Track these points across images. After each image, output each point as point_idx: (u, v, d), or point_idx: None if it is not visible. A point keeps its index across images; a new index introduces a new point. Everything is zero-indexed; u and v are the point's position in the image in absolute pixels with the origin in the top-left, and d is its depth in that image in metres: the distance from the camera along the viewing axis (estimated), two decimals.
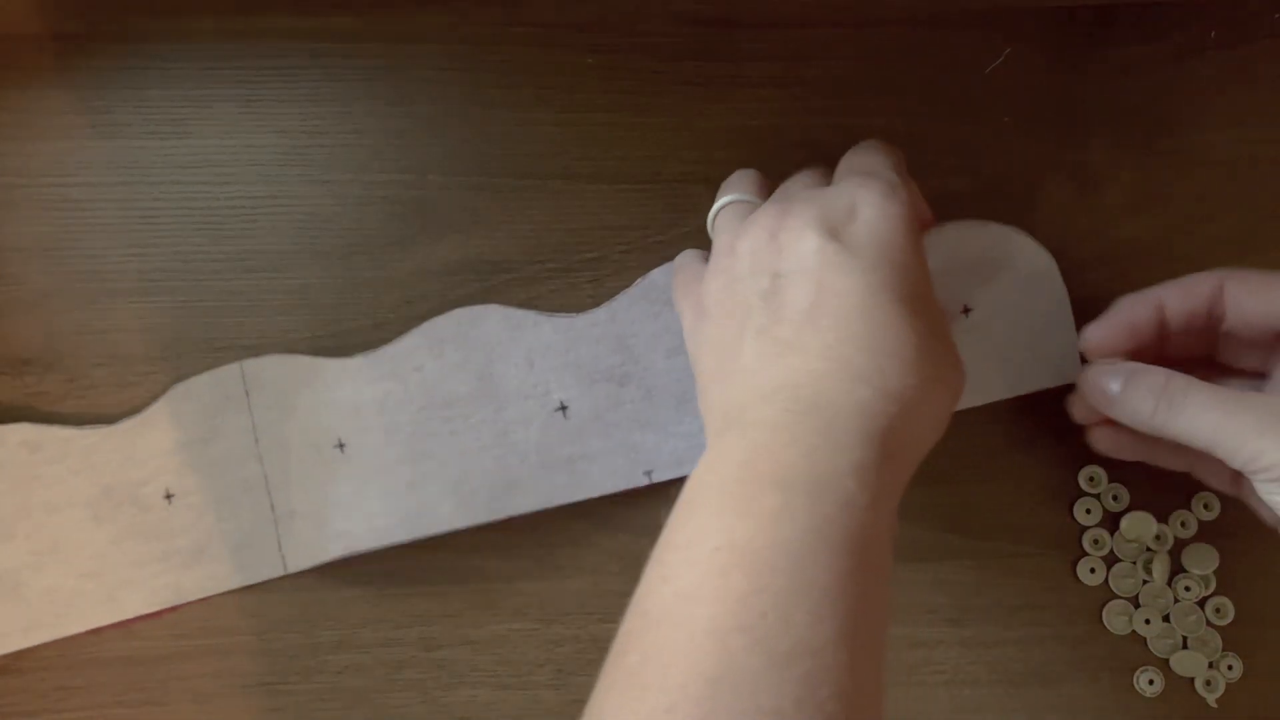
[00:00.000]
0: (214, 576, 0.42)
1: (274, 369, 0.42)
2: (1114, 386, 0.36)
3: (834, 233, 0.32)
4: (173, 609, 0.42)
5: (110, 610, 0.42)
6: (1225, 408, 0.34)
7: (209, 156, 0.43)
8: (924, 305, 0.32)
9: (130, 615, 0.42)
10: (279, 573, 0.42)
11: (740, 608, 0.26)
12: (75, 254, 0.43)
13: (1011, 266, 0.38)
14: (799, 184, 0.37)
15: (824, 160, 0.43)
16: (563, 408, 0.41)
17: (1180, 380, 0.35)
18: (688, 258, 0.40)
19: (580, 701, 0.42)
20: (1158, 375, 0.35)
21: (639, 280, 0.42)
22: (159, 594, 0.42)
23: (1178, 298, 0.37)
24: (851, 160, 0.36)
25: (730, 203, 0.37)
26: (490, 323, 0.41)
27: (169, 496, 0.42)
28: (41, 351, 0.43)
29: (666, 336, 0.41)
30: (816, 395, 0.30)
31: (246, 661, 0.42)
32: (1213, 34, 0.43)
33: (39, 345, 0.43)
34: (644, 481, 0.41)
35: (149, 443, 0.42)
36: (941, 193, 0.43)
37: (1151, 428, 0.35)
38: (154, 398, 0.42)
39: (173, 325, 0.43)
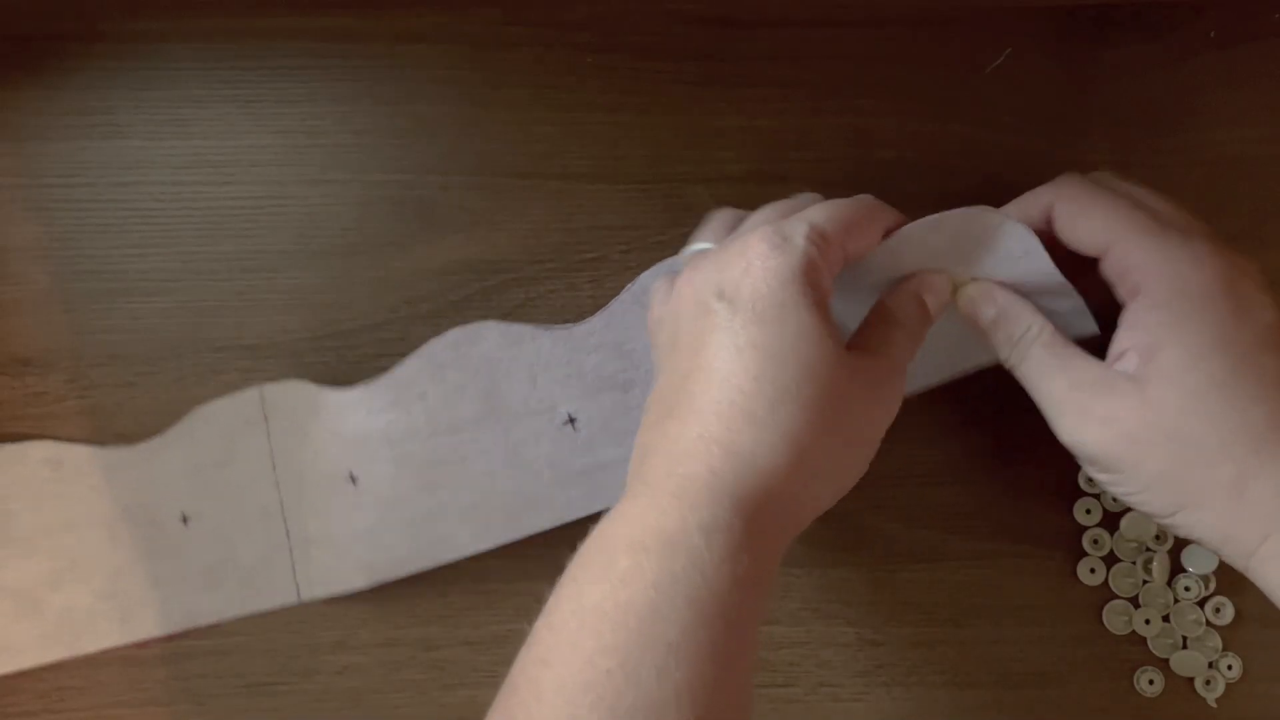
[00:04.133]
0: (228, 601, 0.42)
1: (291, 395, 0.42)
2: (985, 319, 0.37)
3: (722, 293, 0.32)
4: (184, 632, 0.42)
5: (124, 631, 0.42)
6: (1046, 374, 0.35)
7: (209, 156, 0.43)
8: (803, 363, 0.31)
9: (143, 637, 0.42)
10: (292, 600, 0.42)
11: (588, 666, 0.27)
12: (75, 254, 0.43)
13: (991, 248, 0.37)
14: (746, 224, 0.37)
15: (823, 161, 0.43)
16: (571, 420, 0.41)
17: (1032, 334, 0.36)
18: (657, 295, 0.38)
19: None
20: (1016, 325, 0.36)
21: (629, 285, 0.41)
22: (172, 617, 0.42)
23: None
24: (769, 207, 0.36)
25: (695, 253, 0.37)
26: (488, 341, 0.41)
27: (185, 519, 0.42)
28: (41, 351, 0.43)
29: None
30: (676, 462, 0.31)
31: (246, 661, 0.42)
32: (1212, 33, 0.43)
33: (39, 345, 0.43)
34: None
35: (167, 464, 0.42)
36: (942, 193, 0.43)
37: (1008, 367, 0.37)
38: (154, 398, 0.42)
39: (173, 325, 0.43)
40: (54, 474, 0.42)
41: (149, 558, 0.42)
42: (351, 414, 0.41)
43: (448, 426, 0.41)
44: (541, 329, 0.41)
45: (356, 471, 0.41)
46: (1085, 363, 0.35)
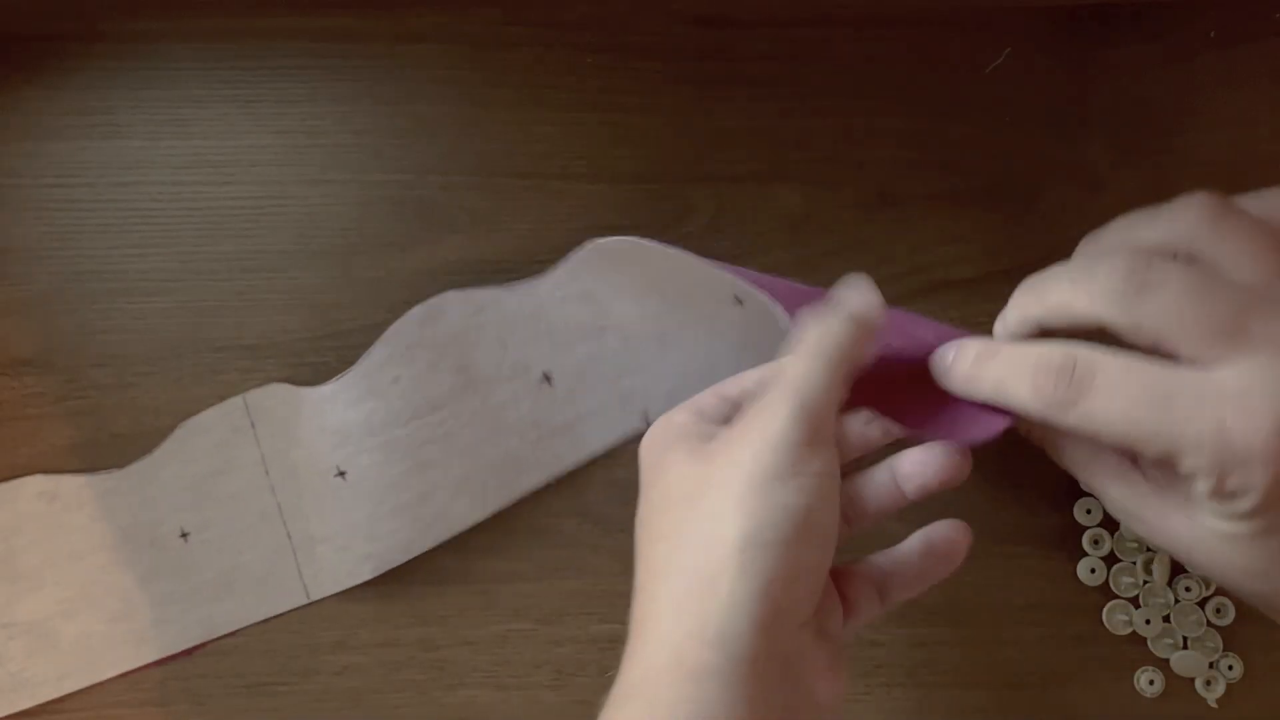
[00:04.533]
0: (239, 609, 0.42)
1: (274, 398, 0.42)
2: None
3: None
4: (202, 645, 0.42)
5: (142, 652, 0.42)
6: (1093, 480, 0.32)
7: (209, 156, 0.43)
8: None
9: (162, 655, 0.42)
10: (302, 601, 0.42)
11: None
12: (75, 254, 0.43)
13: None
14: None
15: (823, 161, 0.43)
16: (547, 378, 0.41)
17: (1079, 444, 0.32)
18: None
19: (580, 702, 0.42)
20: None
21: (585, 245, 0.41)
22: (189, 630, 0.42)
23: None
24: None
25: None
26: (451, 313, 0.41)
27: (184, 535, 0.42)
28: (41, 351, 0.43)
29: (630, 281, 0.41)
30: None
31: (246, 661, 0.42)
32: (1212, 33, 0.43)
33: (39, 345, 0.43)
34: (643, 425, 0.41)
35: (162, 482, 0.42)
36: (942, 193, 0.43)
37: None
38: (154, 398, 0.42)
39: (173, 325, 0.43)
40: (50, 506, 0.42)
41: (156, 577, 0.42)
42: (330, 409, 0.41)
43: (427, 405, 0.41)
44: (504, 290, 0.41)
45: (343, 466, 0.41)
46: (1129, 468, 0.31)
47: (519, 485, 0.41)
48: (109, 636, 0.42)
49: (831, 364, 0.30)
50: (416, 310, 0.41)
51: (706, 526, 0.29)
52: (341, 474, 0.41)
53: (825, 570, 0.30)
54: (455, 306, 0.41)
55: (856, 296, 0.32)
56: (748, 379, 0.34)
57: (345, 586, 0.42)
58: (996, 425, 0.31)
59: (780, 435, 0.29)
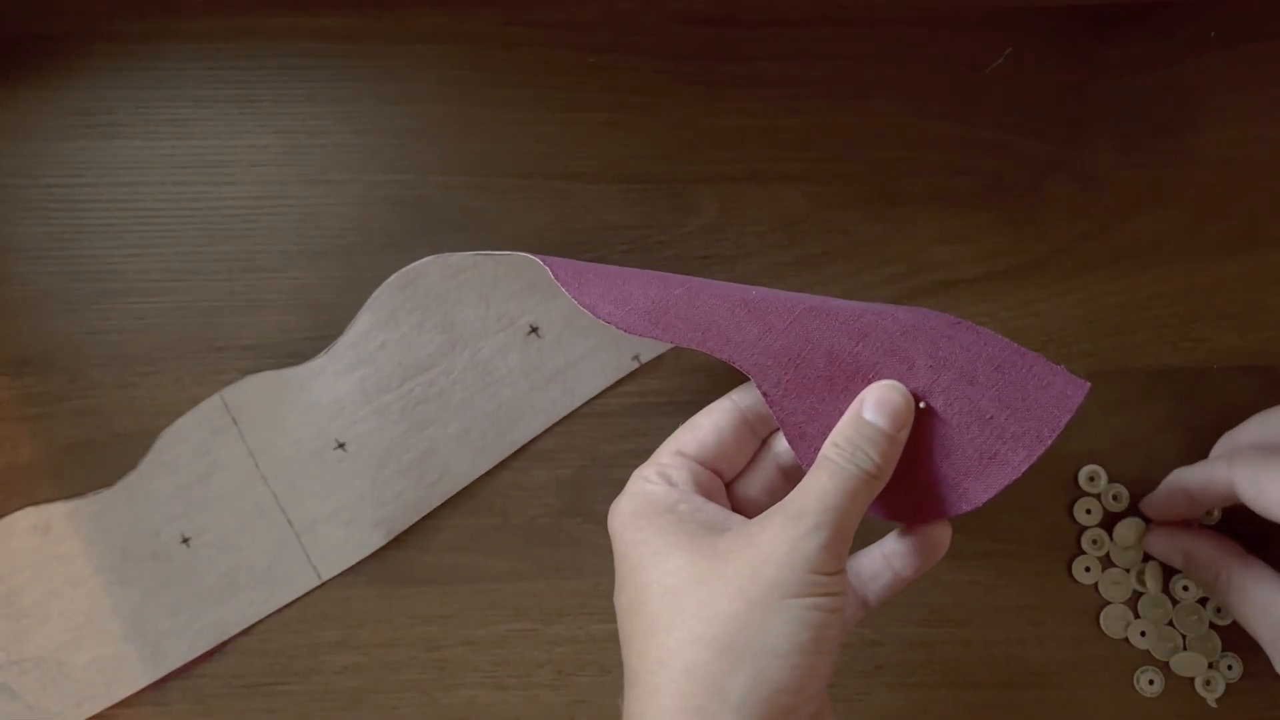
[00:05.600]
0: (251, 603, 0.42)
1: (253, 390, 0.42)
2: (1177, 562, 0.41)
3: None
4: (220, 647, 0.42)
5: (156, 666, 0.42)
6: (1246, 618, 0.38)
7: (209, 156, 0.43)
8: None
9: (178, 665, 0.42)
10: (314, 583, 0.42)
11: None
12: (75, 254, 0.43)
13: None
14: None
15: (824, 161, 0.43)
16: (534, 329, 0.41)
17: (1224, 575, 0.39)
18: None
19: (580, 701, 0.42)
20: (1207, 570, 0.39)
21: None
22: (202, 635, 0.42)
23: (1199, 490, 0.39)
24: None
25: None
26: (430, 275, 0.41)
27: (186, 541, 0.42)
28: (41, 351, 0.43)
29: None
30: None
31: (246, 661, 0.42)
32: (1212, 34, 0.43)
33: (39, 345, 0.43)
34: (634, 366, 0.42)
35: (152, 495, 0.42)
36: (942, 193, 0.43)
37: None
38: (154, 398, 0.42)
39: (173, 325, 0.43)
40: (45, 538, 0.41)
41: (162, 589, 0.42)
42: (320, 383, 0.41)
43: (417, 366, 0.41)
44: (483, 254, 0.41)
45: (342, 437, 0.41)
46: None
47: (518, 435, 0.42)
48: (121, 657, 0.42)
49: (863, 496, 0.32)
50: (396, 276, 0.41)
51: (719, 629, 0.29)
52: (341, 445, 0.41)
53: (829, 672, 0.31)
54: (435, 269, 0.41)
55: (889, 404, 0.33)
56: (701, 429, 0.34)
57: (357, 559, 0.42)
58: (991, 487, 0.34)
59: (808, 559, 0.30)
